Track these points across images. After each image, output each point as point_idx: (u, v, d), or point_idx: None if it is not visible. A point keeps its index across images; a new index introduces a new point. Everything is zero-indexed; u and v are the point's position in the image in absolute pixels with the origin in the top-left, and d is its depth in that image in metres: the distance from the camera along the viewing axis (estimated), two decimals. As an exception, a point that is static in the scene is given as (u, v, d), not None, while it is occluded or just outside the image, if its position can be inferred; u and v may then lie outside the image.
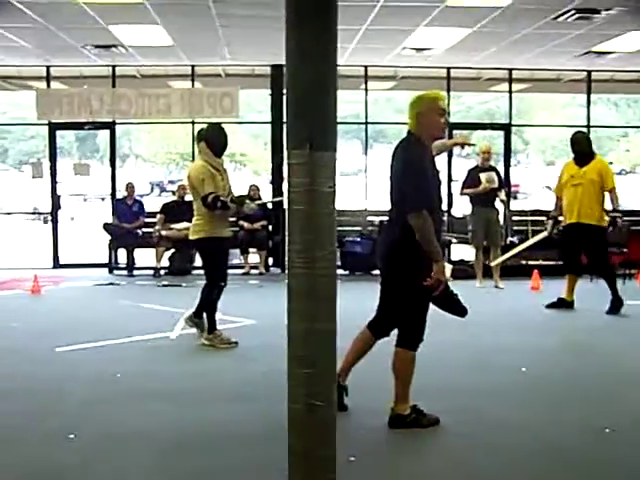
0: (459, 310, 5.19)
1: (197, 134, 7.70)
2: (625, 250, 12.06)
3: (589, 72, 14.04)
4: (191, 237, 7.60)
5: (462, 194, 11.97)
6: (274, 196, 7.97)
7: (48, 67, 13.47)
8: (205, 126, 7.86)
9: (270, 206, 7.91)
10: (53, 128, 13.92)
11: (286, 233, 3.32)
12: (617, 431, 4.91)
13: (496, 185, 11.62)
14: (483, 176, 11.59)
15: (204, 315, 7.66)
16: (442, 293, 4.86)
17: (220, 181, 7.45)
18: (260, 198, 13.48)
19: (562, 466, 4.40)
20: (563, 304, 9.63)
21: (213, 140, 7.49)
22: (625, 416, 5.27)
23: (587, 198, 9.21)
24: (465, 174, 12.04)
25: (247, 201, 8.01)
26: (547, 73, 14.72)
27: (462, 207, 14.04)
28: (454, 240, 13.58)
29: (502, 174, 12.49)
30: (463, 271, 12.43)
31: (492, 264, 11.63)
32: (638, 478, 4.26)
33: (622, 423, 5.09)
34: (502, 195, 11.79)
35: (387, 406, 5.29)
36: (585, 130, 14.37)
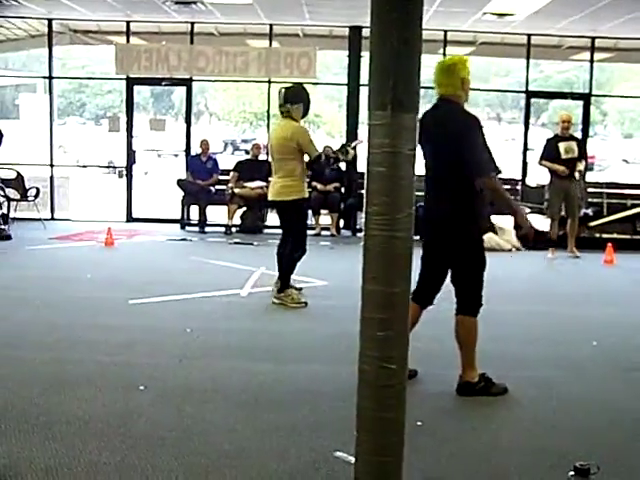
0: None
1: (285, 94, 7.45)
2: None
3: (676, 41, 13.62)
4: (283, 198, 7.42)
5: (540, 164, 11.74)
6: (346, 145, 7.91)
7: (128, 22, 13.58)
8: (292, 87, 7.73)
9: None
10: (131, 83, 14.04)
11: (359, 195, 3.30)
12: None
13: (576, 155, 11.39)
14: (562, 146, 11.37)
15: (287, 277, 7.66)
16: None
17: None
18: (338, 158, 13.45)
19: (631, 445, 4.33)
20: None
21: (308, 103, 7.58)
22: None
23: None
24: (544, 143, 11.80)
25: (347, 149, 7.98)
26: (632, 42, 14.31)
27: (537, 177, 13.83)
28: (528, 210, 13.40)
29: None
30: (536, 241, 12.26)
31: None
32: None
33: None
34: (580, 166, 11.53)
35: (456, 373, 5.28)
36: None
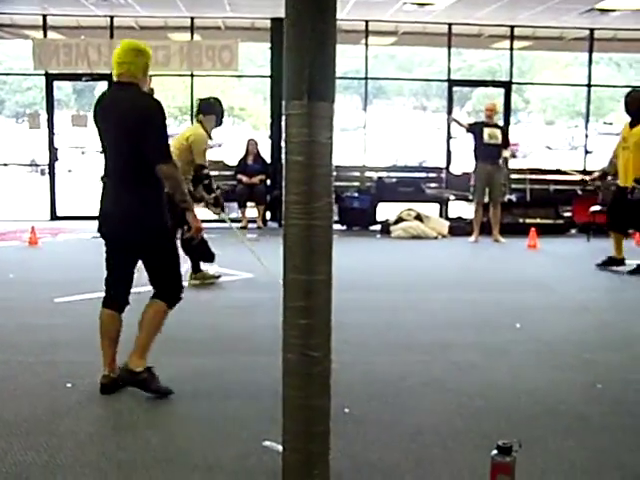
0: (209, 256, 5.25)
1: (198, 105, 8.04)
2: None
3: (592, 30, 13.90)
4: None
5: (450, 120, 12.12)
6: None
7: (44, 16, 13.30)
8: (206, 99, 8.13)
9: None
10: (50, 79, 13.78)
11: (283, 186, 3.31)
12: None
13: (499, 142, 11.62)
14: (486, 131, 11.65)
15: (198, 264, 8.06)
16: (199, 241, 4.87)
17: None
18: (259, 153, 13.46)
19: (552, 422, 4.44)
20: (615, 263, 9.39)
21: (221, 116, 7.99)
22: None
23: (632, 162, 8.99)
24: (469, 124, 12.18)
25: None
26: (550, 31, 14.57)
27: (461, 165, 14.04)
28: (452, 197, 13.60)
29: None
30: (460, 228, 12.49)
31: None
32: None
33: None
34: (506, 153, 11.75)
35: (380, 359, 5.35)
36: (585, 89, 14.41)
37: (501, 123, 12.83)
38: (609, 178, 9.56)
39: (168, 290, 4.75)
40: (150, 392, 4.63)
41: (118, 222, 4.61)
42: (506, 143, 11.90)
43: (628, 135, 9.13)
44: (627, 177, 9.03)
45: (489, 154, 11.63)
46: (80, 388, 4.83)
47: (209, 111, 7.90)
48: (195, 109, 8.06)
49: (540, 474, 3.70)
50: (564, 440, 4.14)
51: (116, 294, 4.82)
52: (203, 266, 8.17)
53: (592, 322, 6.90)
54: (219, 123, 8.05)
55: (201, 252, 4.92)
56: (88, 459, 3.80)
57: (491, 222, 11.88)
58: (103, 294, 4.82)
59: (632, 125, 9.15)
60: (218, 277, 8.28)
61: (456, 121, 12.75)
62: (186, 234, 4.63)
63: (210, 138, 7.94)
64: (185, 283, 7.37)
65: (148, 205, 4.56)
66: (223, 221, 8.18)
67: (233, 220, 13.64)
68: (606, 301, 7.80)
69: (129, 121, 4.48)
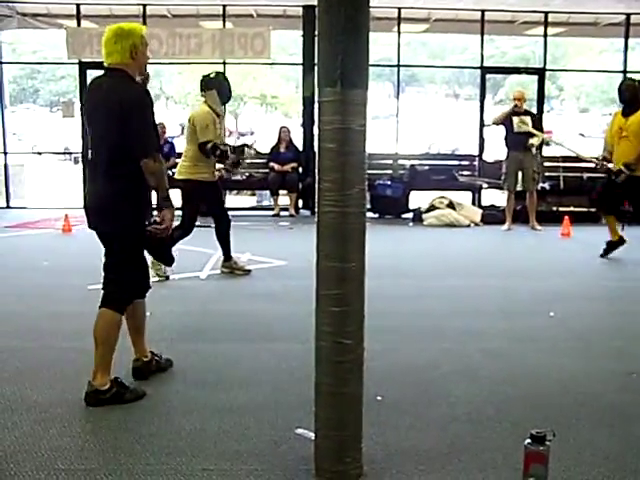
0: (169, 259, 5.05)
1: (202, 81, 7.83)
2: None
3: (628, 15, 13.74)
4: (176, 177, 7.81)
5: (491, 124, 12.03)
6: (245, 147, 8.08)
7: (78, 5, 13.40)
8: (207, 75, 7.95)
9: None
10: (84, 68, 13.86)
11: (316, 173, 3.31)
12: None
13: (530, 129, 11.52)
14: (515, 120, 11.56)
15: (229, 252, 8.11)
16: (164, 240, 4.62)
17: (219, 129, 7.78)
18: (291, 140, 13.46)
19: (585, 412, 4.41)
20: (614, 246, 9.39)
21: (223, 89, 7.81)
22: None
23: (628, 152, 8.90)
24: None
25: (245, 149, 8.21)
26: (584, 16, 14.42)
27: (494, 152, 13.94)
28: (485, 185, 13.52)
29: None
30: (493, 216, 12.42)
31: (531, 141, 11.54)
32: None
33: None
34: (533, 140, 11.63)
35: (412, 347, 5.35)
36: (620, 76, 14.22)
37: (534, 110, 12.72)
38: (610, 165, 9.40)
39: (114, 291, 4.48)
40: (127, 403, 4.41)
41: (94, 213, 4.48)
42: (540, 130, 11.80)
43: (624, 125, 9.00)
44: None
45: (519, 142, 11.55)
46: (112, 374, 4.86)
47: (209, 86, 7.74)
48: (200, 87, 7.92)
49: (573, 463, 3.67)
50: (597, 429, 4.11)
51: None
52: (235, 256, 8.19)
53: (625, 311, 6.83)
54: (225, 99, 7.91)
55: (161, 252, 4.76)
56: (121, 444, 3.84)
57: (528, 210, 11.84)
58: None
59: (626, 114, 9.04)
60: (248, 271, 8.14)
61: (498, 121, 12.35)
62: (152, 228, 4.42)
63: (217, 115, 7.74)
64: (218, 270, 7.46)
65: (122, 198, 4.35)
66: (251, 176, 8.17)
67: (267, 208, 13.73)
68: (636, 289, 7.71)
69: (110, 111, 4.28)
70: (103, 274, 4.53)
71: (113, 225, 4.42)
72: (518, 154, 11.57)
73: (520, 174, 11.68)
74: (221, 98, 7.82)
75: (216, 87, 7.75)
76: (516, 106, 11.72)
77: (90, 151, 4.57)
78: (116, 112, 4.24)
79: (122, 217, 4.39)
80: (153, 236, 4.46)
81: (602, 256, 9.37)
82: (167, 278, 7.81)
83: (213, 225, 8.12)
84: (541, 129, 11.93)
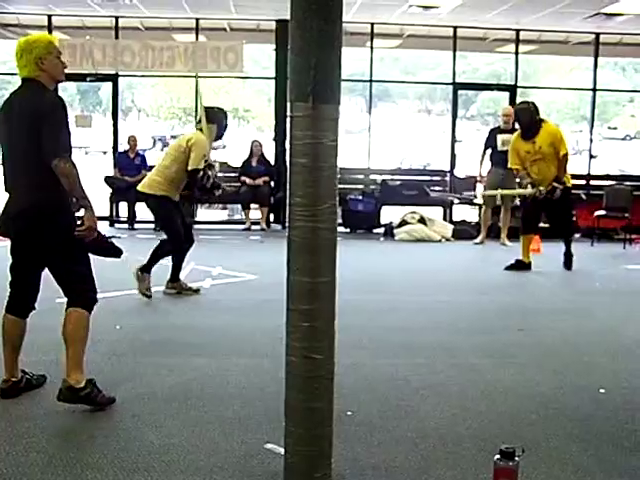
0: (115, 252, 5.00)
1: (206, 112, 7.62)
2: (627, 215, 12.02)
3: (597, 35, 13.88)
4: (145, 190, 7.55)
5: (482, 155, 12.04)
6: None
7: (50, 16, 13.30)
8: (215, 107, 7.90)
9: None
10: (55, 79, 13.78)
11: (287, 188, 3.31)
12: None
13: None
14: (499, 138, 11.69)
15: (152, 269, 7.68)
16: (96, 239, 4.54)
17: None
18: (263, 154, 13.46)
19: (556, 427, 4.43)
20: (522, 266, 9.64)
21: (221, 126, 7.72)
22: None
23: (549, 170, 9.23)
24: (487, 134, 12.16)
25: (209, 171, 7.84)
26: (555, 35, 14.57)
27: (465, 168, 14.03)
28: (456, 201, 13.58)
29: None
30: (464, 231, 12.48)
31: (480, 194, 11.77)
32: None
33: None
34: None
35: (383, 362, 5.35)
36: (590, 94, 14.36)
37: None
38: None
39: (80, 293, 4.51)
40: (95, 406, 4.44)
41: (16, 223, 4.42)
42: None
43: (533, 148, 9.24)
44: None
45: (502, 160, 11.62)
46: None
47: (212, 120, 7.58)
48: (199, 117, 7.70)
49: (543, 478, 3.68)
50: (567, 445, 4.12)
51: (16, 299, 4.66)
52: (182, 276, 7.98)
53: (595, 327, 6.88)
54: (220, 135, 7.78)
55: (106, 249, 4.69)
56: (89, 460, 3.79)
57: (500, 226, 11.92)
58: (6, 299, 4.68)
59: (528, 138, 9.28)
60: (197, 291, 7.91)
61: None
62: (77, 232, 4.40)
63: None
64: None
65: (50, 204, 4.34)
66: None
67: (238, 222, 13.72)
68: (609, 306, 7.77)
69: (23, 118, 4.30)
70: (59, 285, 4.60)
71: (40, 230, 4.37)
72: (499, 170, 11.64)
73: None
74: (217, 136, 7.73)
75: (217, 122, 7.63)
76: (505, 122, 11.83)
77: (8, 163, 4.49)
78: (27, 120, 4.27)
79: (53, 220, 4.37)
80: (84, 239, 4.42)
81: (506, 268, 9.61)
82: (198, 290, 7.91)
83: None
84: None
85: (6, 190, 4.47)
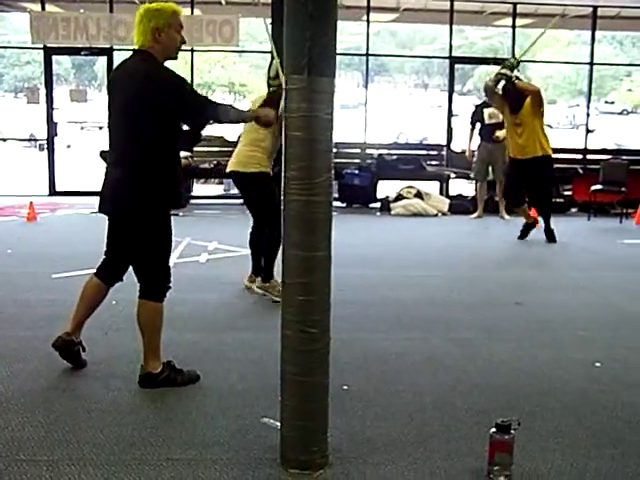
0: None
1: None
2: (623, 189, 12.01)
3: (595, 8, 13.82)
4: (244, 170, 6.66)
5: (471, 131, 12.01)
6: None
7: (43, -4, 13.23)
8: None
9: None
10: (49, 53, 13.71)
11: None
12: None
13: (500, 120, 11.59)
14: (486, 112, 11.67)
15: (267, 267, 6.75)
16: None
17: None
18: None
19: (551, 400, 4.44)
20: (530, 227, 9.93)
21: None
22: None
23: (535, 133, 9.74)
24: (473, 109, 12.15)
25: None
26: (552, 8, 14.48)
27: (461, 142, 13.99)
28: (452, 175, 13.56)
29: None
30: (460, 205, 12.48)
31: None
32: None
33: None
34: (501, 132, 11.68)
35: (379, 336, 5.36)
36: (587, 68, 14.32)
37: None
38: None
39: (152, 282, 4.42)
40: (179, 386, 4.46)
41: (111, 197, 4.36)
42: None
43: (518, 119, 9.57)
44: (532, 149, 9.51)
45: (489, 133, 11.67)
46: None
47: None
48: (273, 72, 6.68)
49: (539, 451, 3.69)
50: (563, 418, 4.13)
51: (111, 266, 4.71)
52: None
53: (590, 300, 6.89)
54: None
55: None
56: (85, 435, 3.79)
57: (497, 200, 11.94)
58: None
59: (515, 110, 9.54)
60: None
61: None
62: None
63: None
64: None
65: (142, 183, 4.21)
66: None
67: (234, 197, 13.66)
68: (604, 279, 7.78)
69: (136, 94, 4.16)
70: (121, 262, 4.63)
71: (129, 212, 4.32)
72: (488, 145, 11.67)
73: (490, 165, 11.79)
74: None
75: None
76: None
77: (112, 136, 4.41)
78: (143, 96, 4.14)
79: (137, 204, 4.27)
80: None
81: (519, 238, 9.89)
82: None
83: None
84: None
85: (106, 165, 4.45)
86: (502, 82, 9.39)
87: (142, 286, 4.44)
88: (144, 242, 4.35)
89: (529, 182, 9.70)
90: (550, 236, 9.85)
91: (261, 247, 6.82)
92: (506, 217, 11.70)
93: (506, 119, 9.71)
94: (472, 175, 12.34)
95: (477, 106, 12.19)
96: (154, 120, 4.15)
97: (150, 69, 4.21)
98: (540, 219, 9.93)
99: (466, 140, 12.37)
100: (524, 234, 9.94)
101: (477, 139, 12.04)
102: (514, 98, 9.42)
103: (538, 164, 9.49)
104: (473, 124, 11.98)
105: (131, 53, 4.37)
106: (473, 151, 12.19)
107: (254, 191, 6.67)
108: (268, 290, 6.61)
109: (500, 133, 11.58)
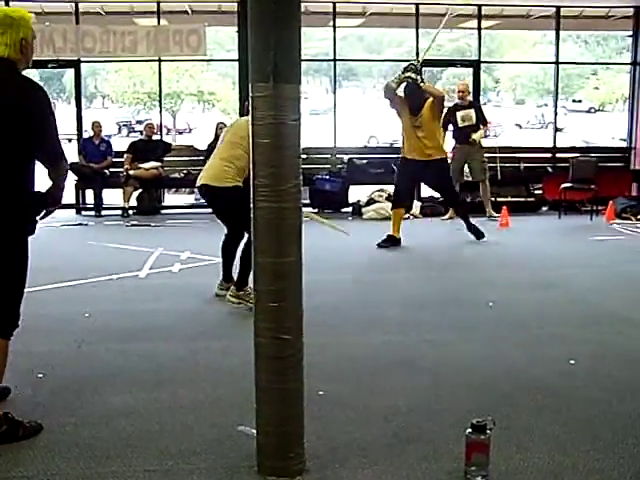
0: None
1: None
2: (593, 187, 12.11)
3: (558, 8, 13.92)
4: (217, 184, 6.62)
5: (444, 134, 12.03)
6: None
7: (7, 1, 13.09)
8: None
9: None
10: (16, 66, 13.61)
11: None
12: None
13: (473, 122, 11.67)
14: (459, 115, 11.74)
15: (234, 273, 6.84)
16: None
17: None
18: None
19: (527, 398, 4.47)
20: (393, 241, 9.76)
21: None
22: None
23: (432, 134, 9.70)
24: (445, 112, 12.09)
25: None
26: (516, 9, 14.61)
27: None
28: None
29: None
30: (432, 208, 12.52)
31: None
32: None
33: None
34: (476, 134, 11.72)
35: (353, 340, 5.37)
36: (554, 67, 14.44)
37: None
38: None
39: (4, 317, 3.94)
40: (24, 439, 3.85)
41: None
42: (484, 121, 11.97)
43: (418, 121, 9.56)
44: (434, 151, 9.57)
45: (464, 135, 11.70)
46: (51, 378, 4.79)
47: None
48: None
49: (515, 450, 3.71)
50: (538, 415, 4.16)
51: None
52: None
53: (563, 298, 6.94)
54: None
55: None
56: (60, 449, 3.76)
57: (482, 200, 11.96)
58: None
59: (414, 113, 9.55)
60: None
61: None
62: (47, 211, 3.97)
63: None
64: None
65: (15, 203, 3.76)
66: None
67: (205, 206, 13.63)
68: (576, 277, 7.84)
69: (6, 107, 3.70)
70: None
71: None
72: (463, 147, 11.70)
73: (467, 166, 11.83)
74: None
75: None
76: (461, 99, 11.87)
77: None
78: (8, 110, 3.68)
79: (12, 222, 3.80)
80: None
81: (378, 245, 9.68)
82: None
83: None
84: (484, 119, 12.03)
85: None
86: (404, 84, 9.51)
87: None
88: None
89: (432, 185, 10.10)
90: (476, 233, 9.95)
91: (233, 254, 6.86)
92: (494, 214, 11.74)
93: (405, 120, 9.72)
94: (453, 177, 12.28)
95: (449, 109, 12.13)
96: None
97: (14, 81, 3.81)
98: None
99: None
100: (384, 243, 9.70)
101: (451, 142, 12.05)
102: (414, 100, 9.51)
103: (439, 166, 9.66)
104: (445, 127, 11.95)
105: None
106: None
107: (230, 205, 6.58)
108: (242, 298, 6.53)
109: (476, 136, 11.66)
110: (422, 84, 9.41)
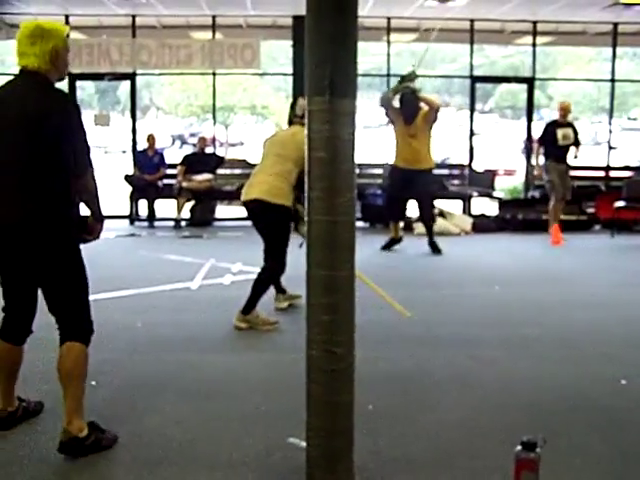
0: None
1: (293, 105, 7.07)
2: None
3: (615, 25, 13.80)
4: (272, 200, 6.32)
5: (538, 149, 11.89)
6: None
7: (67, 16, 13.33)
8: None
9: None
10: (73, 78, 13.84)
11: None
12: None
13: (571, 141, 11.53)
14: (560, 132, 11.55)
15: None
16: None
17: None
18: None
19: (577, 418, 4.42)
20: (394, 242, 10.47)
21: None
22: None
23: (425, 145, 10.23)
24: (543, 128, 11.96)
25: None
26: (572, 26, 14.49)
27: (483, 162, 13.99)
28: (475, 194, 13.55)
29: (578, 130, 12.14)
30: (483, 224, 12.46)
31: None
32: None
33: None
34: (576, 152, 11.63)
35: (403, 355, 5.35)
36: (609, 85, 14.27)
37: (520, 119, 12.75)
38: None
39: (78, 324, 3.95)
40: (104, 449, 3.88)
41: (11, 236, 3.78)
42: (577, 142, 11.75)
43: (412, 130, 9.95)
44: (424, 161, 10.06)
45: (562, 153, 11.55)
46: (103, 386, 4.85)
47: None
48: (299, 110, 6.61)
49: (564, 469, 3.68)
50: (588, 436, 4.12)
51: (10, 325, 4.15)
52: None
53: (614, 318, 6.85)
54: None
55: None
56: (113, 456, 3.82)
57: (551, 218, 11.78)
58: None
59: (409, 122, 9.95)
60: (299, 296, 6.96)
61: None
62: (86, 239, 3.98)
63: None
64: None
65: (47, 219, 3.74)
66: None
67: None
68: (628, 296, 7.74)
69: (29, 119, 3.68)
70: (50, 311, 4.00)
71: (39, 251, 3.80)
72: (560, 165, 11.52)
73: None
74: None
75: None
76: (562, 117, 11.72)
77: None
78: (34, 124, 3.67)
79: (47, 239, 3.79)
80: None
81: (382, 248, 10.39)
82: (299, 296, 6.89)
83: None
84: (578, 141, 11.79)
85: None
86: (399, 94, 9.82)
87: (65, 328, 3.95)
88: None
89: (414, 194, 10.18)
90: (435, 248, 10.21)
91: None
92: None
93: (398, 129, 10.03)
94: (550, 194, 11.95)
95: (548, 125, 11.97)
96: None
97: (43, 93, 3.81)
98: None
99: (534, 158, 12.22)
100: (387, 245, 10.46)
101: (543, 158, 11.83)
102: (409, 110, 9.79)
103: (425, 176, 10.00)
104: (542, 143, 11.80)
105: (19, 75, 3.87)
106: (539, 171, 12.00)
107: (276, 222, 6.40)
108: (252, 322, 6.35)
109: (576, 152, 11.65)
110: (419, 94, 9.72)
